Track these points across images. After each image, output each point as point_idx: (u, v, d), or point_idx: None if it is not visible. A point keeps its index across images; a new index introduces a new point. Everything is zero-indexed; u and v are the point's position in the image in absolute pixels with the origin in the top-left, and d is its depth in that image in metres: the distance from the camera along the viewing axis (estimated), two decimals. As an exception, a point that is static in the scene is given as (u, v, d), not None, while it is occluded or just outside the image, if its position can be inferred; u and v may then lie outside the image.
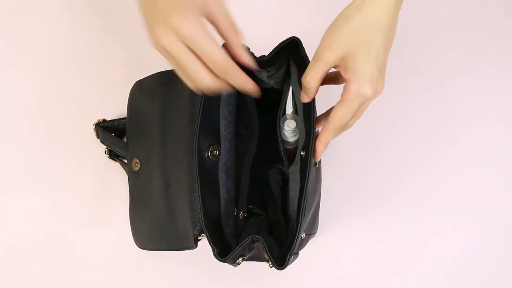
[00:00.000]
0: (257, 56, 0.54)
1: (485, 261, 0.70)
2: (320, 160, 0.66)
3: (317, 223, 0.67)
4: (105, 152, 0.71)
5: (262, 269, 0.63)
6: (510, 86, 0.73)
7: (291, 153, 0.58)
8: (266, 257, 0.53)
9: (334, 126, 0.49)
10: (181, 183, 0.58)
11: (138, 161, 0.66)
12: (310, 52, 0.51)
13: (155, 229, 0.63)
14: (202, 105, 0.53)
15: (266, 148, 0.64)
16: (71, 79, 0.75)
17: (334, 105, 0.49)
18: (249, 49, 0.54)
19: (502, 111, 0.73)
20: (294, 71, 0.55)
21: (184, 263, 0.71)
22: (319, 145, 0.50)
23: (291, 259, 0.52)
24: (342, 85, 0.49)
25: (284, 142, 0.57)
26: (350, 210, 0.71)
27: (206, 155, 0.55)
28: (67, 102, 0.75)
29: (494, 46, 0.74)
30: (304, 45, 0.51)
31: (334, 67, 0.47)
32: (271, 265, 0.53)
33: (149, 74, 0.66)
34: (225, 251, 0.53)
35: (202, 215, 0.52)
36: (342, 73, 0.47)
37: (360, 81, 0.45)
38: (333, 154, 0.72)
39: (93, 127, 0.72)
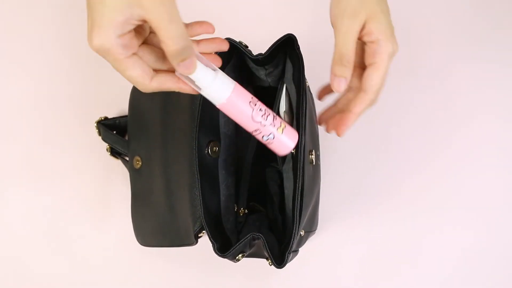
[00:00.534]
0: (255, 54, 0.54)
1: (485, 260, 0.69)
2: (318, 158, 0.66)
3: (317, 220, 0.67)
4: (106, 149, 0.72)
5: (262, 266, 0.63)
6: (510, 85, 0.73)
7: None
8: (266, 255, 0.53)
9: (373, 96, 0.47)
10: (181, 179, 0.58)
11: (139, 158, 0.66)
12: (306, 50, 0.51)
13: (156, 225, 0.63)
14: (201, 102, 0.53)
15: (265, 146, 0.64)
16: (73, 77, 0.76)
17: (333, 95, 0.48)
18: (247, 46, 0.55)
19: (502, 110, 0.73)
20: (288, 69, 0.56)
21: (184, 260, 0.71)
22: (351, 117, 0.48)
23: (290, 257, 0.53)
24: None
25: None
26: (350, 208, 0.71)
27: (206, 151, 0.56)
28: (69, 100, 0.75)
29: (493, 44, 0.74)
30: (302, 43, 0.52)
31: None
32: (270, 263, 0.53)
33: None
34: (225, 247, 0.53)
35: (202, 211, 0.52)
36: (366, 39, 0.46)
37: (389, 38, 0.46)
38: (333, 152, 0.72)
39: (95, 125, 0.72)
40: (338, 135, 0.49)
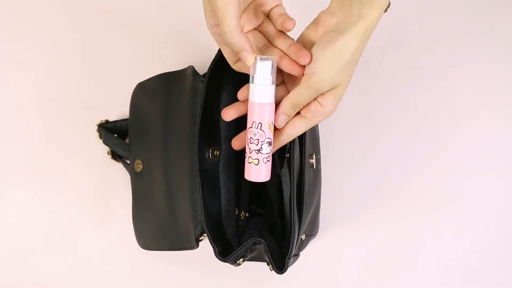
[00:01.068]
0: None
1: (485, 261, 0.69)
2: (319, 161, 0.66)
3: (318, 224, 0.67)
4: (107, 152, 0.72)
5: (263, 268, 0.63)
6: (509, 84, 0.73)
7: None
8: (267, 260, 0.53)
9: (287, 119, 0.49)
10: (182, 183, 0.58)
11: (140, 162, 0.67)
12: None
13: (157, 229, 0.63)
14: (202, 105, 0.53)
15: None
16: (74, 80, 0.76)
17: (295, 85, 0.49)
18: None
19: (501, 110, 0.73)
20: None
21: (185, 262, 0.71)
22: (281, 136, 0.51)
23: (291, 262, 0.53)
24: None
25: None
26: (351, 211, 0.71)
27: (207, 155, 0.56)
28: (70, 103, 0.75)
29: (493, 44, 0.74)
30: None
31: None
32: (271, 269, 0.53)
33: (151, 76, 0.66)
34: (226, 251, 0.53)
35: (203, 215, 0.52)
36: (320, 100, 0.47)
37: (335, 106, 0.47)
38: (334, 155, 0.72)
39: (96, 128, 0.72)
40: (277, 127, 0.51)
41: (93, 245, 0.73)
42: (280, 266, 0.52)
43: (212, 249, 0.52)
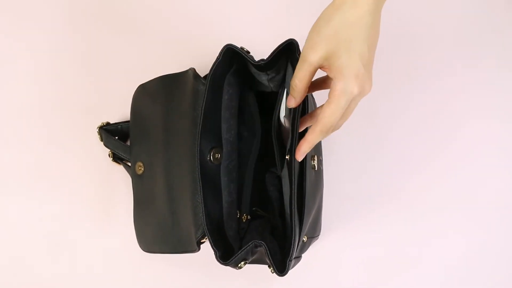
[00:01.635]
0: (257, 60, 0.54)
1: (485, 261, 0.70)
2: (321, 163, 0.66)
3: (320, 225, 0.67)
4: (108, 155, 0.72)
5: (264, 270, 0.63)
6: (509, 85, 0.73)
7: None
8: (268, 262, 0.53)
9: (322, 128, 0.47)
10: (183, 186, 0.58)
11: (141, 164, 0.66)
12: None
13: (158, 232, 0.63)
14: (203, 108, 0.53)
15: (267, 151, 0.64)
16: (75, 82, 0.76)
17: (321, 104, 0.49)
18: (248, 52, 0.54)
19: (501, 110, 0.73)
20: (289, 74, 0.55)
21: (186, 264, 0.71)
22: (304, 145, 0.49)
23: (292, 264, 0.52)
24: None
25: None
26: (353, 213, 0.71)
27: (208, 158, 0.56)
28: (71, 105, 0.75)
29: (493, 45, 0.74)
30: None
31: (320, 68, 0.47)
32: (272, 271, 0.53)
33: (152, 78, 0.66)
34: (227, 255, 0.53)
35: (204, 219, 0.52)
36: (328, 73, 0.46)
37: (345, 77, 0.44)
38: (335, 157, 0.72)
39: (97, 130, 0.72)
40: (296, 159, 0.50)
41: (94, 247, 0.72)
42: (281, 268, 0.52)
43: (213, 252, 0.52)
